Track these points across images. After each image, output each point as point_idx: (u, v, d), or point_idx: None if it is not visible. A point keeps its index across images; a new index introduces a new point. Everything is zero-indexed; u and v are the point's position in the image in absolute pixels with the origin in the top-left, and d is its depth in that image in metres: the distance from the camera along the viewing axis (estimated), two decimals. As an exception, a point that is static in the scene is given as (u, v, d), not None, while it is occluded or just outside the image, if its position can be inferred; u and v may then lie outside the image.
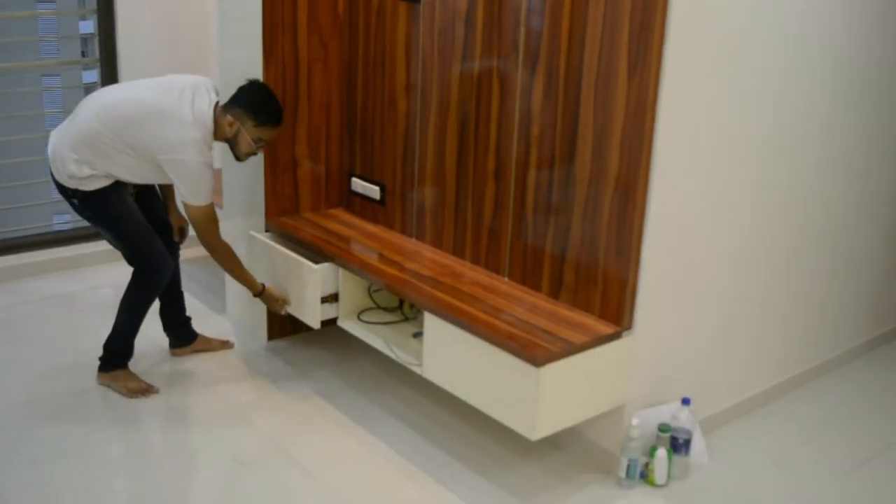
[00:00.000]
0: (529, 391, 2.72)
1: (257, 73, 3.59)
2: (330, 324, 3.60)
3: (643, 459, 3.04)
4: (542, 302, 3.13)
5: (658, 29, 2.65)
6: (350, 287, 3.50)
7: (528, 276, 3.24)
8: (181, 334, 3.81)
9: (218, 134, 3.30)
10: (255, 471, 3.03)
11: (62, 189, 3.34)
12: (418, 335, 3.34)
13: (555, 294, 3.14)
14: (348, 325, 3.51)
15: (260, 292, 3.54)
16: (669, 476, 3.05)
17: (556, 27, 2.94)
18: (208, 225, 3.32)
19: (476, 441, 3.27)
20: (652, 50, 2.67)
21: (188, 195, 3.23)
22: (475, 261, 3.44)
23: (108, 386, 3.49)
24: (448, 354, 3.01)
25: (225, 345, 3.88)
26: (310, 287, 3.44)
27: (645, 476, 3.06)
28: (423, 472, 3.06)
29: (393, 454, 3.16)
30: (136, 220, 3.38)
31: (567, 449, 3.24)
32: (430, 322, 3.05)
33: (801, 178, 3.42)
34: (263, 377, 3.67)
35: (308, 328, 4.06)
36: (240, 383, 3.60)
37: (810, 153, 3.41)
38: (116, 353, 3.52)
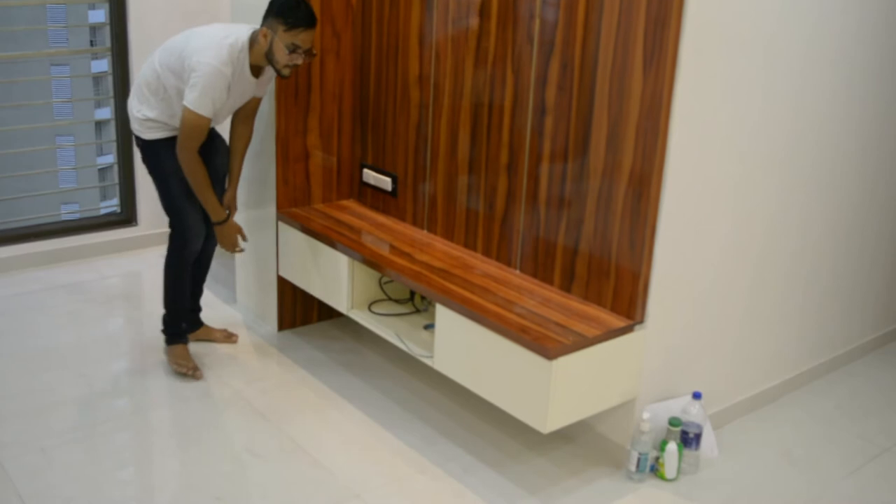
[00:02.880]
0: (541, 384, 2.72)
1: (269, 63, 3.58)
2: (340, 315, 3.61)
3: (653, 453, 3.04)
4: (554, 295, 3.12)
5: (674, 22, 2.64)
6: (361, 278, 3.50)
7: (540, 268, 3.23)
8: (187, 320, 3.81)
9: (255, 52, 3.27)
10: (265, 462, 3.04)
11: (134, 138, 3.49)
12: (429, 327, 3.34)
13: (567, 287, 3.14)
14: (359, 316, 3.50)
15: (222, 221, 3.48)
16: (679, 470, 3.05)
17: (570, 18, 2.93)
18: (191, 134, 3.24)
19: (487, 433, 3.27)
20: (668, 43, 2.66)
21: (189, 95, 3.19)
22: (487, 253, 3.43)
23: (167, 358, 3.64)
24: (459, 346, 3.01)
25: (229, 337, 3.86)
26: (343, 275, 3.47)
27: (655, 470, 3.06)
28: (433, 464, 3.06)
29: (403, 446, 3.16)
30: (182, 180, 3.39)
31: (578, 442, 3.23)
32: (442, 314, 3.05)
33: (816, 173, 3.41)
34: (273, 368, 3.67)
35: (318, 318, 4.07)
36: (250, 374, 3.60)
37: (826, 147, 3.40)
38: (168, 325, 3.63)
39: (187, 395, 3.43)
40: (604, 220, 2.96)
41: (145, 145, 3.43)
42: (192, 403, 3.38)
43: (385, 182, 3.82)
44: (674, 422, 3.02)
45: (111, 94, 4.74)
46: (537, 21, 3.05)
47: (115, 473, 2.94)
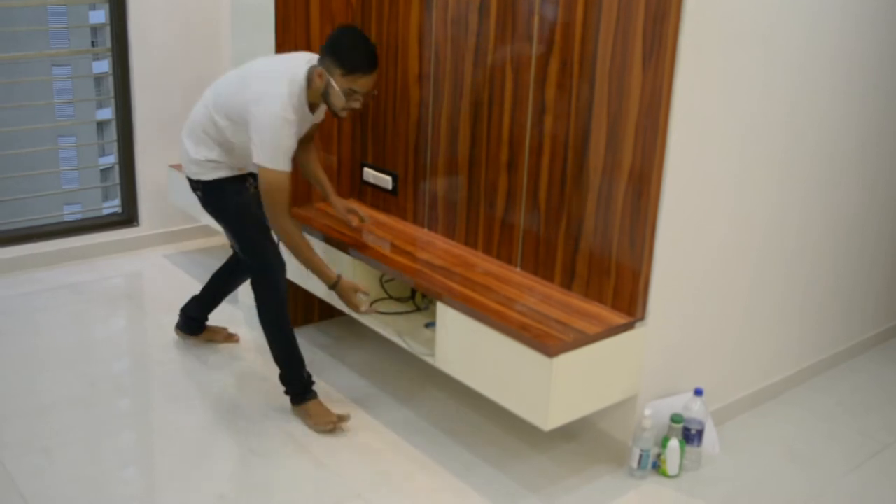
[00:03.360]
0: (542, 381, 2.72)
1: (269, 62, 3.58)
2: (342, 314, 3.60)
3: (655, 450, 3.04)
4: (555, 292, 3.12)
5: (673, 17, 2.64)
6: (362, 277, 3.50)
7: (540, 266, 3.23)
8: (191, 326, 3.77)
9: (312, 91, 3.05)
10: (267, 461, 3.04)
11: (190, 182, 3.30)
12: (430, 325, 3.34)
13: (567, 285, 3.14)
14: (360, 315, 3.50)
15: (335, 284, 3.16)
16: (681, 467, 3.05)
17: (570, 15, 2.93)
18: (276, 195, 3.01)
19: (488, 431, 3.27)
20: (667, 39, 2.66)
21: (261, 153, 2.98)
22: (487, 251, 3.43)
23: (301, 419, 3.26)
24: (460, 344, 3.01)
25: (230, 337, 3.81)
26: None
27: (657, 467, 3.06)
28: (435, 462, 3.07)
29: (405, 444, 3.16)
30: (254, 216, 3.22)
31: (579, 439, 3.24)
32: (443, 312, 3.05)
33: (816, 171, 3.41)
34: (275, 367, 3.66)
35: (319, 317, 4.07)
36: (252, 373, 3.60)
37: (826, 144, 3.40)
38: (291, 382, 3.28)
39: (189, 395, 3.43)
40: (604, 217, 2.96)
41: (206, 187, 3.24)
42: (193, 403, 3.38)
43: (385, 181, 3.82)
44: (675, 418, 3.03)
45: (112, 94, 4.75)
46: (536, 19, 3.05)
47: (118, 473, 2.94)
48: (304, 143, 3.37)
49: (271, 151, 2.97)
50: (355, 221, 3.52)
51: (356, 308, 3.22)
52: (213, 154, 3.19)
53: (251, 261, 3.28)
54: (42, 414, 3.24)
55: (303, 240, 3.11)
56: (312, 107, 3.13)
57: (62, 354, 3.70)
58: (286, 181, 3.01)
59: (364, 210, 3.49)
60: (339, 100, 3.01)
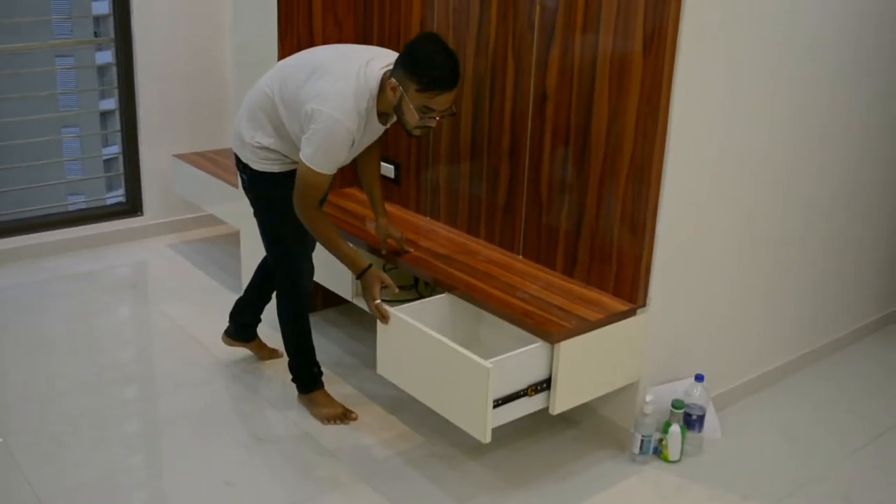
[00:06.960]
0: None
1: (272, 53, 3.59)
2: (343, 302, 3.62)
3: (657, 435, 3.06)
4: (557, 279, 3.14)
5: (674, 2, 2.64)
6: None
7: (542, 253, 3.25)
8: (243, 333, 3.60)
9: (383, 102, 2.79)
10: (273, 447, 3.06)
11: (237, 160, 3.11)
12: (433, 313, 3.36)
13: (569, 272, 3.16)
14: (364, 303, 3.52)
15: (364, 271, 2.94)
16: (683, 452, 3.07)
17: (571, 3, 2.93)
18: (309, 191, 2.79)
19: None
20: (668, 24, 2.66)
21: (307, 151, 2.74)
22: (490, 239, 3.45)
23: (306, 408, 3.28)
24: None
25: (273, 353, 3.65)
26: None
27: (658, 452, 3.08)
28: (439, 447, 3.09)
29: (410, 431, 3.19)
30: (297, 223, 2.95)
31: (581, 425, 3.26)
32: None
33: (813, 158, 3.41)
34: (278, 355, 3.69)
35: (323, 306, 4.09)
36: (256, 361, 3.62)
37: (821, 130, 3.40)
38: (300, 373, 3.27)
39: (194, 381, 3.46)
40: (605, 204, 2.97)
41: (255, 176, 3.02)
42: (199, 390, 3.41)
43: (388, 170, 3.83)
44: (677, 404, 3.04)
45: (115, 84, 4.77)
46: (538, 7, 3.06)
47: (124, 460, 2.97)
48: (367, 149, 3.16)
49: (315, 152, 2.75)
50: (388, 249, 3.29)
51: (373, 298, 2.93)
52: (269, 142, 2.96)
53: (281, 261, 3.17)
54: (49, 401, 3.27)
55: (331, 229, 2.90)
56: (383, 116, 2.88)
57: (69, 342, 3.73)
58: (324, 183, 2.81)
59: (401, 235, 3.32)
60: (412, 117, 2.73)
